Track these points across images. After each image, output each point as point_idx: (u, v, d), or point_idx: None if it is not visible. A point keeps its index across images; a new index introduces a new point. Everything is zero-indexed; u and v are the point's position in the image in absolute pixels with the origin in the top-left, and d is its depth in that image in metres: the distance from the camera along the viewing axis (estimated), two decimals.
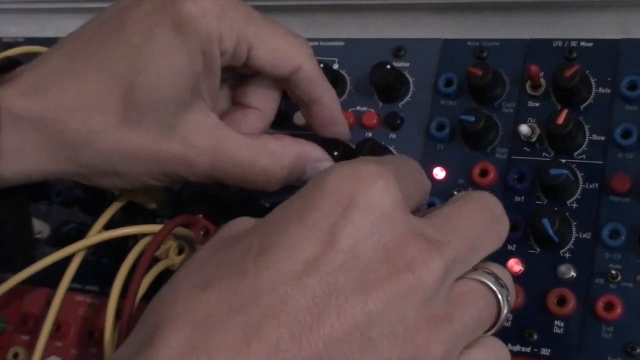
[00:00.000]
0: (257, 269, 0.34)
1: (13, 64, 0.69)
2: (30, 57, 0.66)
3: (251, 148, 0.50)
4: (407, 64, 0.58)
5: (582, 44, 0.53)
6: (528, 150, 0.52)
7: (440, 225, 0.38)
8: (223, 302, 0.34)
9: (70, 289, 0.56)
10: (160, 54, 0.47)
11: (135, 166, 0.49)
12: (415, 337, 0.34)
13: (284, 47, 0.51)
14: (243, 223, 0.40)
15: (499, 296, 0.39)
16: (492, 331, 0.39)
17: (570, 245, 0.49)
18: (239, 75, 0.54)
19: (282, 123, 0.59)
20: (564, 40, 0.54)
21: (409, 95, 0.57)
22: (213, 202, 0.57)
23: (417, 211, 0.41)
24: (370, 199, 0.35)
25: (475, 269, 0.39)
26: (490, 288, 0.39)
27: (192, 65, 0.47)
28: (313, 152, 0.53)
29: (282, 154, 0.51)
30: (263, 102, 0.54)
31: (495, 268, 0.40)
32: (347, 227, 0.35)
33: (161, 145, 0.48)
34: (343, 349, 0.33)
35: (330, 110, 0.54)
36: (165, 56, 0.47)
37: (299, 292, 0.33)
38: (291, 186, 0.52)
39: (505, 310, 0.39)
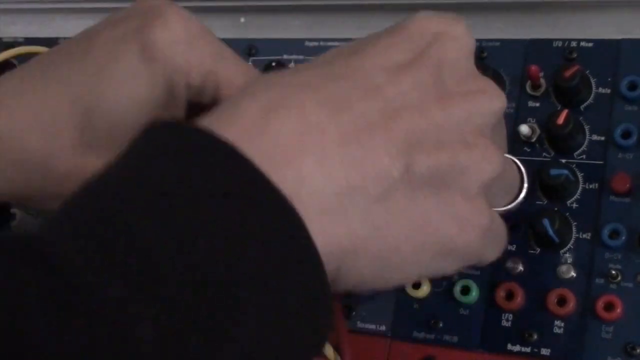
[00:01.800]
0: (350, 60, 0.39)
1: (6, 67, 0.69)
2: (30, 57, 0.66)
3: None
4: None
5: (582, 44, 0.53)
6: (528, 150, 0.52)
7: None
8: (319, 73, 0.38)
9: None
10: (121, 79, 0.45)
11: None
12: (479, 146, 0.39)
13: None
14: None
15: None
16: None
17: (570, 245, 0.49)
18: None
19: None
20: (564, 41, 0.54)
21: None
22: None
23: None
24: (459, 33, 0.41)
25: None
26: None
27: (154, 94, 0.45)
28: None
29: None
30: None
31: None
32: (438, 46, 0.40)
33: None
34: (420, 142, 0.37)
35: None
36: (127, 81, 0.45)
37: (390, 83, 0.38)
38: None
39: None
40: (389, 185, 0.37)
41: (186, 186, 0.32)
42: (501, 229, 0.44)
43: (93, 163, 0.45)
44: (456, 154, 0.39)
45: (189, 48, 0.46)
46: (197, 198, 0.32)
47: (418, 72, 0.39)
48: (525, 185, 0.47)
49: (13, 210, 0.60)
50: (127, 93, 0.45)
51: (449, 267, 0.41)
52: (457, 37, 0.41)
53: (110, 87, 0.45)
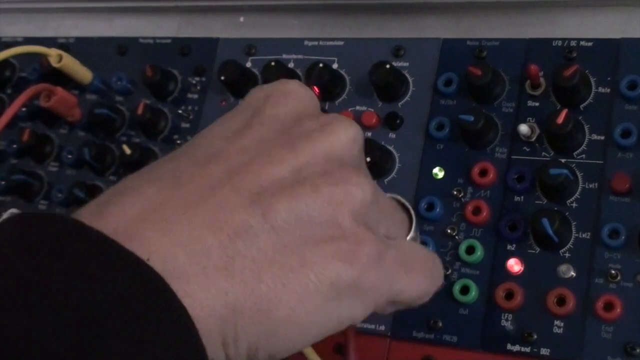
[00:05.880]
0: (193, 140, 0.40)
1: (6, 66, 0.69)
2: (30, 57, 0.66)
3: None
4: (406, 64, 0.58)
5: (582, 43, 0.53)
6: (528, 149, 0.52)
7: None
8: (162, 159, 0.39)
9: None
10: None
11: None
12: (341, 173, 0.37)
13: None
14: None
15: None
16: None
17: (570, 245, 0.49)
18: None
19: None
20: (563, 40, 0.54)
21: (409, 94, 0.57)
22: None
23: None
24: (290, 87, 0.41)
25: None
26: None
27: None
28: None
29: None
30: None
31: None
32: (272, 103, 0.40)
33: None
34: (274, 187, 0.36)
35: None
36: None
37: (230, 145, 0.37)
38: None
39: None
40: (250, 237, 0.35)
41: (39, 265, 0.31)
42: (411, 254, 0.41)
43: None
44: (316, 187, 0.36)
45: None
46: (46, 272, 0.31)
47: (256, 129, 0.38)
48: (414, 221, 0.44)
49: (12, 210, 0.60)
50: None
51: (353, 309, 0.37)
52: (288, 91, 0.41)
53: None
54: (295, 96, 0.40)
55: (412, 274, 0.40)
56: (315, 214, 0.36)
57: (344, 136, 0.39)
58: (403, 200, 0.44)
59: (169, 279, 0.32)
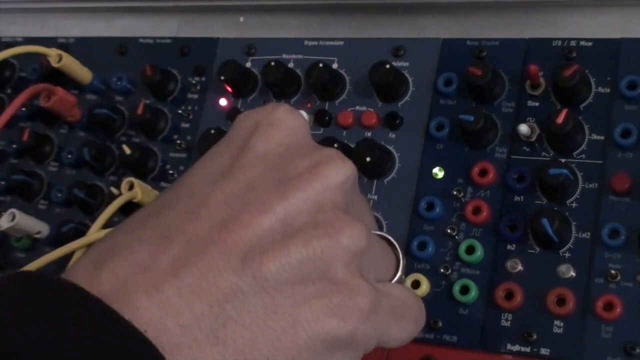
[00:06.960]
0: (178, 184, 0.38)
1: (6, 67, 0.69)
2: (29, 57, 0.66)
3: None
4: (406, 64, 0.58)
5: (582, 43, 0.53)
6: (527, 149, 0.52)
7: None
8: (147, 209, 0.38)
9: None
10: None
11: None
12: (333, 223, 0.36)
13: None
14: None
15: None
16: None
17: (569, 245, 0.49)
18: None
19: None
20: (563, 40, 0.54)
21: (409, 94, 0.57)
22: None
23: None
24: (277, 117, 0.39)
25: None
26: None
27: None
28: None
29: None
30: None
31: None
32: (258, 137, 0.38)
33: None
34: (264, 242, 0.35)
35: None
36: None
37: (216, 190, 0.36)
38: None
39: None
40: (240, 300, 0.34)
41: (40, 330, 0.31)
42: (400, 302, 0.40)
43: None
44: (308, 241, 0.35)
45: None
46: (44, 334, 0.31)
47: (244, 172, 0.37)
48: (402, 262, 0.43)
49: (12, 210, 0.60)
50: None
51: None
52: (275, 122, 0.39)
53: None
54: (283, 127, 0.39)
55: (402, 321, 0.40)
56: (307, 270, 0.35)
57: (335, 179, 0.38)
58: (391, 239, 0.44)
59: (163, 351, 0.32)
